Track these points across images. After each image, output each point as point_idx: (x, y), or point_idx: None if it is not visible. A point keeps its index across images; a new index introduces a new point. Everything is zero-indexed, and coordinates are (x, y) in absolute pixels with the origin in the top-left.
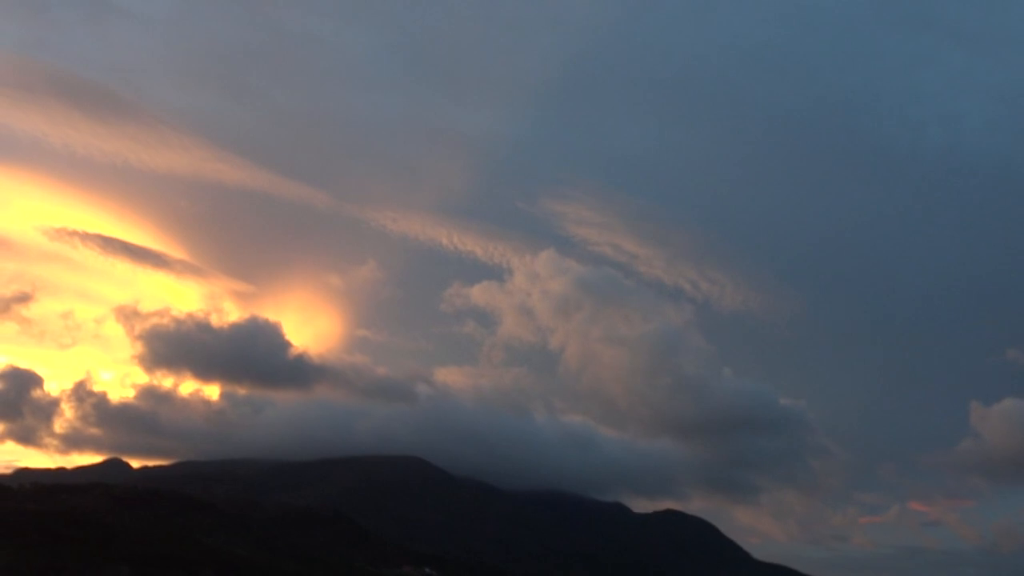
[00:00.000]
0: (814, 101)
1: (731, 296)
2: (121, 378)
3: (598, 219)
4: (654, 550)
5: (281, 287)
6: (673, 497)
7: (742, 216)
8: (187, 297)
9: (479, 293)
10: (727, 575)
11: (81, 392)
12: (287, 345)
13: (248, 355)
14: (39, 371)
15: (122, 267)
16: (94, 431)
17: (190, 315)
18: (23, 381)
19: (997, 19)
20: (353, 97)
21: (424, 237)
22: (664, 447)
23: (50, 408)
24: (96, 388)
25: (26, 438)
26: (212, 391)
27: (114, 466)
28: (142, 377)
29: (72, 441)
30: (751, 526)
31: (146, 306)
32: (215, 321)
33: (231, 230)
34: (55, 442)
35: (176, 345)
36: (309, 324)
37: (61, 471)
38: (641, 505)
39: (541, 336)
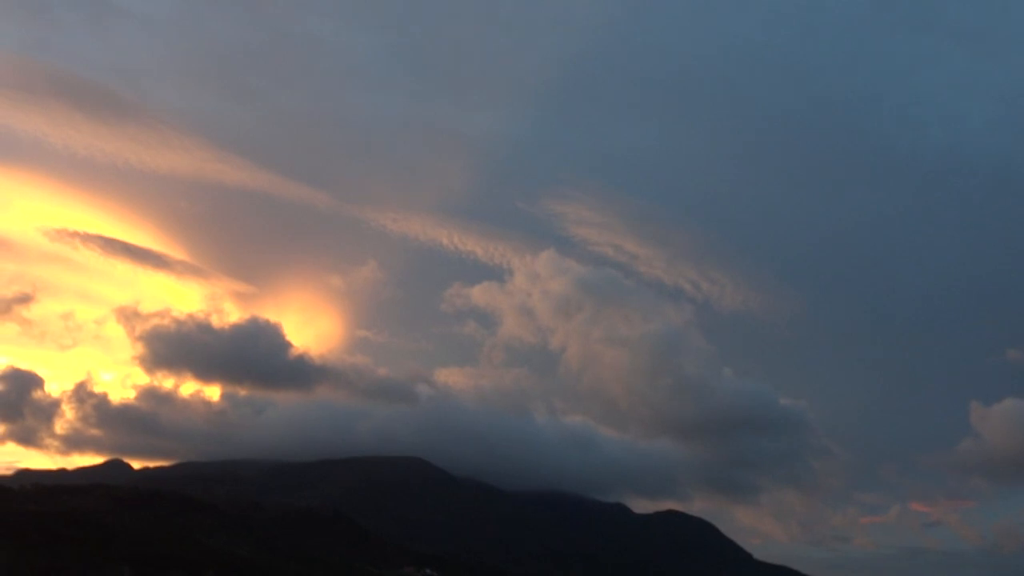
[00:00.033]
0: (814, 101)
1: (731, 296)
2: (122, 379)
3: (598, 219)
4: (655, 551)
5: (282, 288)
6: (674, 497)
7: (742, 216)
8: (188, 298)
9: (479, 293)
10: None
11: (82, 393)
12: (288, 346)
13: (249, 356)
14: (40, 372)
15: (123, 268)
16: (95, 432)
17: (191, 316)
18: (24, 382)
19: (998, 20)
20: (353, 97)
21: (424, 237)
22: (665, 447)
23: (51, 409)
24: (97, 389)
25: (27, 439)
26: (213, 392)
27: (115, 467)
28: (143, 378)
29: (73, 442)
30: (752, 526)
31: (147, 307)
32: (216, 322)
33: (232, 231)
34: (56, 443)
35: (177, 346)
36: (310, 325)
37: (62, 472)
38: (642, 505)
39: (541, 336)
